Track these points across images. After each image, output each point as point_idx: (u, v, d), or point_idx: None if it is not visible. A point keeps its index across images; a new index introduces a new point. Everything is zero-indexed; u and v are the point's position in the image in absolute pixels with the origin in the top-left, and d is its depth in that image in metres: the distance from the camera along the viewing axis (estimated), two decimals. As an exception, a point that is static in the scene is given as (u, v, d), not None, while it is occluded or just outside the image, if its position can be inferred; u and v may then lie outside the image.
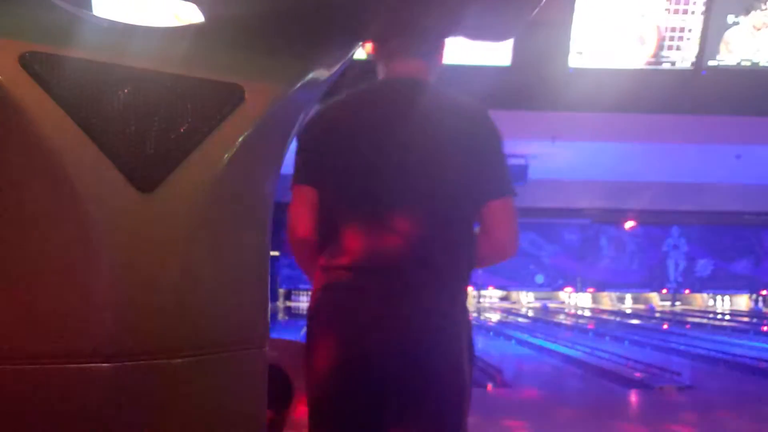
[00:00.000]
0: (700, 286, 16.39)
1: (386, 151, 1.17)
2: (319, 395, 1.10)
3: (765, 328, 11.19)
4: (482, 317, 13.41)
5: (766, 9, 5.02)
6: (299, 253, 1.28)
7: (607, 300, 16.77)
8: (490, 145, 1.26)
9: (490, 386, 5.54)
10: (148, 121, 0.55)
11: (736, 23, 5.03)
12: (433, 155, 1.18)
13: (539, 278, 16.08)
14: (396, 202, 1.15)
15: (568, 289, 16.37)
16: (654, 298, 16.74)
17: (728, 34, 5.07)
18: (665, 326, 11.92)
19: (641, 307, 16.28)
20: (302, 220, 1.22)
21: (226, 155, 0.58)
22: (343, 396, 1.10)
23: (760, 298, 16.46)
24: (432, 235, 1.15)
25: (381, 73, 1.31)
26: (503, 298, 16.46)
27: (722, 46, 5.06)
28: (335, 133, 1.19)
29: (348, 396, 1.09)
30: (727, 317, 13.76)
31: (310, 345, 1.13)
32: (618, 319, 13.37)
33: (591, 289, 16.52)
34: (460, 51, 5.20)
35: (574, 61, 5.20)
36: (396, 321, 1.09)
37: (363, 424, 1.10)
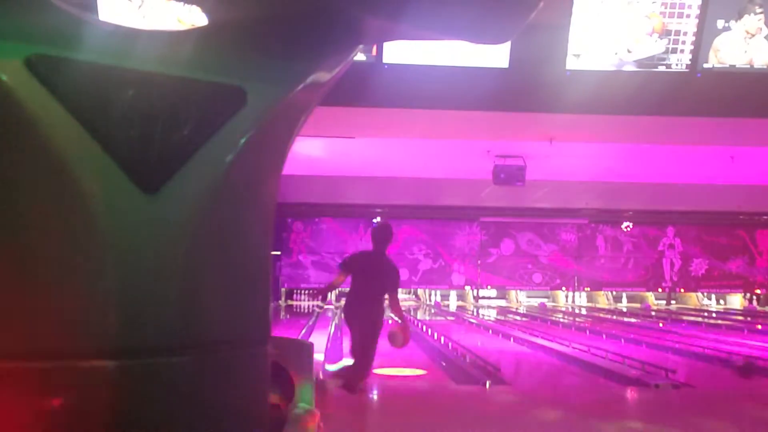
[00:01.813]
0: (694, 285, 16.48)
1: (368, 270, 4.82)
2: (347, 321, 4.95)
3: (759, 327, 11.27)
4: (481, 316, 13.45)
5: (760, 13, 5.09)
6: (330, 289, 5.70)
7: (604, 299, 16.85)
8: (395, 273, 4.89)
9: (488, 383, 5.59)
10: (152, 124, 0.55)
11: (727, 28, 5.09)
12: (379, 274, 4.77)
13: (537, 277, 16.14)
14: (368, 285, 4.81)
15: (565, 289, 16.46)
16: (650, 296, 16.83)
17: (718, 41, 5.13)
18: (661, 324, 12.00)
19: (637, 305, 16.37)
20: (338, 282, 5.11)
21: (229, 157, 0.58)
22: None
23: (754, 297, 16.56)
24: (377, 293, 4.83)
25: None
26: (501, 297, 16.51)
27: (711, 54, 5.12)
28: (356, 263, 5.01)
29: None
30: (722, 316, 13.85)
31: (345, 312, 5.02)
32: (614, 317, 13.44)
33: (587, 288, 16.59)
34: (459, 53, 5.25)
35: (572, 63, 5.25)
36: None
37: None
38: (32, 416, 0.53)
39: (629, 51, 5.27)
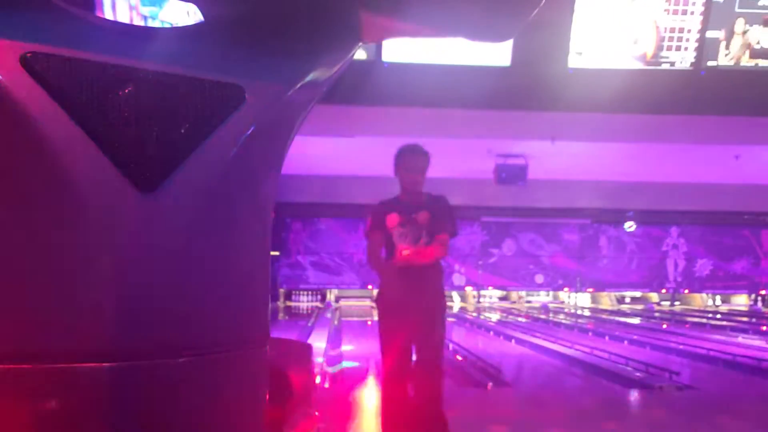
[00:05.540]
0: (699, 286, 16.42)
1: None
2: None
3: (764, 328, 11.22)
4: (482, 317, 13.42)
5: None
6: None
7: (607, 300, 16.81)
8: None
9: (489, 385, 5.56)
10: (149, 122, 0.55)
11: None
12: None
13: (539, 278, 16.10)
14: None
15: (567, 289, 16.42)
16: (653, 297, 16.77)
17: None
18: (664, 326, 11.95)
19: (640, 306, 16.31)
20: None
21: (227, 156, 0.58)
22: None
23: (759, 298, 16.49)
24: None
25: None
26: (503, 298, 16.48)
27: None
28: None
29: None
30: (726, 317, 13.80)
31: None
32: (617, 318, 13.40)
33: (590, 289, 16.55)
34: (461, 52, 5.22)
35: (574, 61, 5.22)
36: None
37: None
38: (28, 419, 0.52)
39: (632, 49, 5.23)
